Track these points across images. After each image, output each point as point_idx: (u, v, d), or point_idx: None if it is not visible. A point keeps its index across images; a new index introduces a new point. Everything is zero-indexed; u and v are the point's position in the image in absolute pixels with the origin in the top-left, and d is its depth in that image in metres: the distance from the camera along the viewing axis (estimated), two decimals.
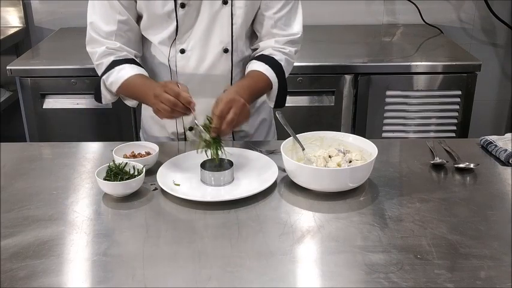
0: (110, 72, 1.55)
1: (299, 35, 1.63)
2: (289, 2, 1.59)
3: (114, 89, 1.56)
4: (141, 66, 1.58)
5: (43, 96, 2.43)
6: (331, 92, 2.44)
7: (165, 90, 1.38)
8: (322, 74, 2.41)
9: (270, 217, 1.24)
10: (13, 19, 2.97)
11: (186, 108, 1.37)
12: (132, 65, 1.56)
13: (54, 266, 1.08)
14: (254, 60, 1.60)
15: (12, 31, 2.89)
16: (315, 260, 1.11)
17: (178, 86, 1.40)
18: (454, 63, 2.43)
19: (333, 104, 2.45)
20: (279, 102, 1.63)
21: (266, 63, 1.57)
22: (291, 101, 2.41)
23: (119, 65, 1.54)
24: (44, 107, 2.43)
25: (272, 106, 1.64)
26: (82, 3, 2.88)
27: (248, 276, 1.05)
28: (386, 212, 1.26)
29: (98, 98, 1.62)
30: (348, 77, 2.40)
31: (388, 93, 2.44)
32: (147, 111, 1.78)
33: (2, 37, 2.78)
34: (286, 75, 1.63)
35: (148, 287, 1.02)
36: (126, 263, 1.09)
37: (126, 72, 1.53)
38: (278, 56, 1.59)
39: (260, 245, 1.14)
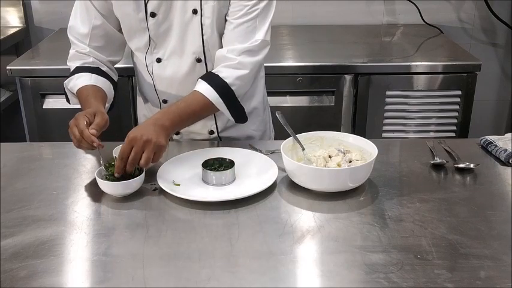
0: (70, 78, 1.60)
1: (257, 43, 1.50)
2: (255, 10, 1.49)
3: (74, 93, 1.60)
4: (104, 76, 1.60)
5: (43, 96, 2.42)
6: (331, 92, 2.43)
7: (75, 123, 1.38)
8: (322, 74, 2.41)
9: (270, 217, 1.24)
10: (13, 19, 2.97)
11: (92, 145, 1.36)
12: (92, 74, 1.58)
13: (54, 266, 1.08)
14: (199, 79, 1.51)
15: (12, 31, 2.89)
16: (315, 260, 1.11)
17: (94, 117, 1.40)
18: (454, 63, 2.42)
19: (333, 104, 2.44)
20: (238, 119, 1.57)
21: (209, 83, 1.48)
22: (290, 101, 2.42)
23: (80, 72, 1.59)
24: (44, 107, 2.43)
25: (234, 121, 1.58)
26: None
27: (248, 276, 1.05)
28: (386, 212, 1.26)
29: (67, 99, 1.67)
30: (348, 77, 2.40)
31: (388, 93, 2.44)
32: (142, 111, 1.78)
33: (2, 37, 2.78)
34: (244, 90, 1.53)
35: (148, 287, 1.02)
36: (126, 263, 1.09)
37: (81, 81, 1.57)
38: (224, 73, 1.48)
39: (260, 245, 1.14)
